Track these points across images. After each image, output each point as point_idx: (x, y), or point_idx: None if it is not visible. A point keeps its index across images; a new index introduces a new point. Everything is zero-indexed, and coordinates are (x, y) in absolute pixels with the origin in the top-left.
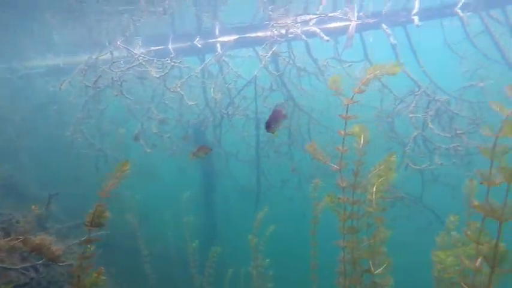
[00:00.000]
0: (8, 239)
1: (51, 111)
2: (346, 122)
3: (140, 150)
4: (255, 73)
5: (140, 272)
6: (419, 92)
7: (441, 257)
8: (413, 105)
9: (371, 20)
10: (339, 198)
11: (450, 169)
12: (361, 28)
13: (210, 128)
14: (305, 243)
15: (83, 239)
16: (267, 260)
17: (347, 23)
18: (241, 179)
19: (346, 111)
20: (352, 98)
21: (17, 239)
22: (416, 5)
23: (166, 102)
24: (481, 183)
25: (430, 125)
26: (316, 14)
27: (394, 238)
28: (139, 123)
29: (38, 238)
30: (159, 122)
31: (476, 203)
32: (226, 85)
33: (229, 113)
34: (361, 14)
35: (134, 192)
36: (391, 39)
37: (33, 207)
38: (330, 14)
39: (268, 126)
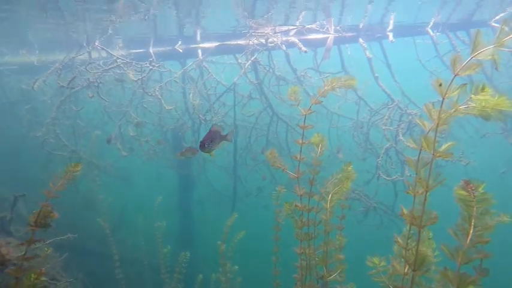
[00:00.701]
0: None
1: (23, 111)
2: (303, 132)
3: (117, 153)
4: (235, 80)
5: (111, 277)
6: (392, 105)
7: (375, 262)
8: (386, 117)
9: (348, 34)
10: (296, 205)
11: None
12: (339, 41)
13: (188, 133)
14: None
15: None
16: (236, 267)
17: (326, 35)
18: (218, 185)
19: (304, 121)
20: (309, 109)
21: None
22: (391, 22)
23: (145, 106)
24: (405, 192)
25: (401, 137)
26: (294, 25)
27: (366, 246)
28: (117, 126)
29: None
30: (135, 125)
31: (404, 211)
32: (206, 91)
33: (208, 118)
34: (338, 27)
35: (108, 196)
36: (367, 53)
37: None
38: (307, 26)
39: (202, 145)
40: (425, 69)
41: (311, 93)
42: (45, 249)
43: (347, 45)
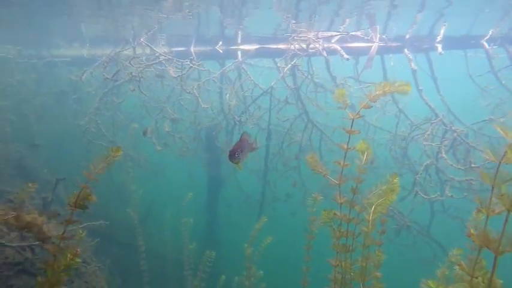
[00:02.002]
0: (1, 213)
1: (70, 100)
2: (349, 137)
3: (151, 147)
4: (272, 84)
5: (136, 268)
6: (436, 121)
7: (431, 286)
8: (428, 133)
9: (394, 44)
10: (335, 213)
11: (462, 203)
12: (383, 50)
13: (222, 133)
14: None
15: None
16: (261, 272)
17: (369, 44)
18: (246, 188)
19: (351, 126)
20: (358, 113)
21: (9, 214)
22: (441, 33)
23: (182, 103)
24: (478, 211)
25: (444, 155)
26: (338, 32)
27: (400, 266)
28: (153, 120)
29: (30, 216)
30: (171, 121)
31: (472, 231)
32: (243, 92)
33: (242, 120)
34: (383, 36)
35: (140, 188)
36: (412, 65)
37: (30, 184)
38: (351, 33)
39: (232, 155)
40: (475, 84)
41: (349, 102)
42: (80, 231)
43: (391, 55)
